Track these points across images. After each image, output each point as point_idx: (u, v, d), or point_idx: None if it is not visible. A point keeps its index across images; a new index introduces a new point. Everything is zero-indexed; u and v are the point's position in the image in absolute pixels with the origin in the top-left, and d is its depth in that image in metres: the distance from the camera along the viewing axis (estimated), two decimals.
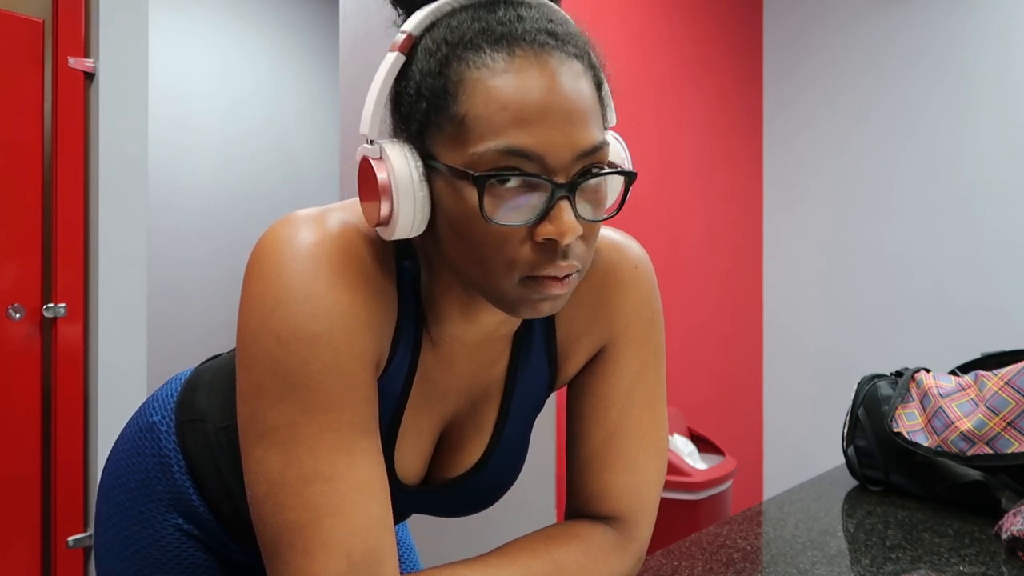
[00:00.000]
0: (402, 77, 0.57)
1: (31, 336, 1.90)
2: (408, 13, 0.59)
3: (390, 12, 0.63)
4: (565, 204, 0.53)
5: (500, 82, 0.52)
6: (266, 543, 0.56)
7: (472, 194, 0.53)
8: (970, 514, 1.00)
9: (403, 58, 0.57)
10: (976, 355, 1.25)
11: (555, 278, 0.55)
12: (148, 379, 2.11)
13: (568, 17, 0.59)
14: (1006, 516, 0.88)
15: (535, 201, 0.54)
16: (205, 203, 3.62)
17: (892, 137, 2.98)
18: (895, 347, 2.94)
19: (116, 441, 0.83)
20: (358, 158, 0.57)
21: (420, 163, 0.55)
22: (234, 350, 0.80)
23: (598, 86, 0.58)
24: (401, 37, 0.57)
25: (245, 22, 3.82)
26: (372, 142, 0.57)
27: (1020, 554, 0.84)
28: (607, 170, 0.56)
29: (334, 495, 0.54)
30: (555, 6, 0.59)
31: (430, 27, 0.56)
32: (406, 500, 0.72)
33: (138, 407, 0.84)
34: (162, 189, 3.39)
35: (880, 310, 3.00)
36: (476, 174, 0.52)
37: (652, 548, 0.82)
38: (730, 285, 3.14)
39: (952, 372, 1.22)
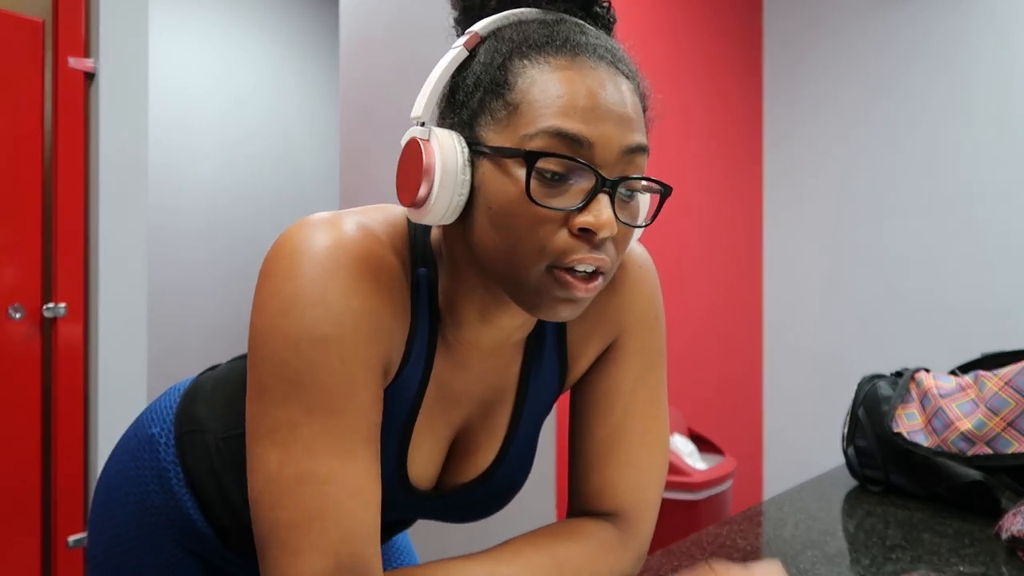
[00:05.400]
0: (461, 70, 0.59)
1: (31, 336, 1.90)
2: (467, 17, 0.62)
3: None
4: (605, 198, 0.55)
5: (558, 76, 0.56)
6: (259, 539, 0.56)
7: (519, 175, 0.55)
8: (970, 514, 1.00)
9: (466, 53, 0.59)
10: (976, 355, 1.25)
11: (581, 275, 0.56)
12: (148, 379, 2.11)
13: (625, 53, 0.62)
14: (1006, 516, 0.88)
15: (578, 191, 0.56)
16: (205, 203, 3.63)
17: (892, 137, 2.98)
18: (895, 347, 2.94)
19: (112, 452, 0.83)
20: (406, 139, 0.59)
21: (467, 149, 0.57)
22: (234, 360, 0.80)
23: (643, 111, 0.61)
24: (468, 36, 0.59)
25: (245, 22, 3.82)
26: (423, 125, 0.58)
27: (1020, 554, 0.84)
28: (650, 178, 0.59)
29: (327, 498, 0.55)
30: (614, 42, 0.62)
31: (497, 31, 0.60)
32: (417, 505, 0.72)
33: (135, 418, 0.84)
34: (162, 189, 3.39)
35: (880, 310, 3.00)
36: (527, 150, 0.54)
37: (652, 548, 0.82)
38: (730, 285, 3.14)
39: (952, 372, 1.22)
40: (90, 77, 1.99)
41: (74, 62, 1.95)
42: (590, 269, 0.56)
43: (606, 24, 0.64)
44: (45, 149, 1.95)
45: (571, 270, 0.56)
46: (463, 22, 0.63)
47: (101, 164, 1.98)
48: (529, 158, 0.54)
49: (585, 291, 0.57)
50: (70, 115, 1.95)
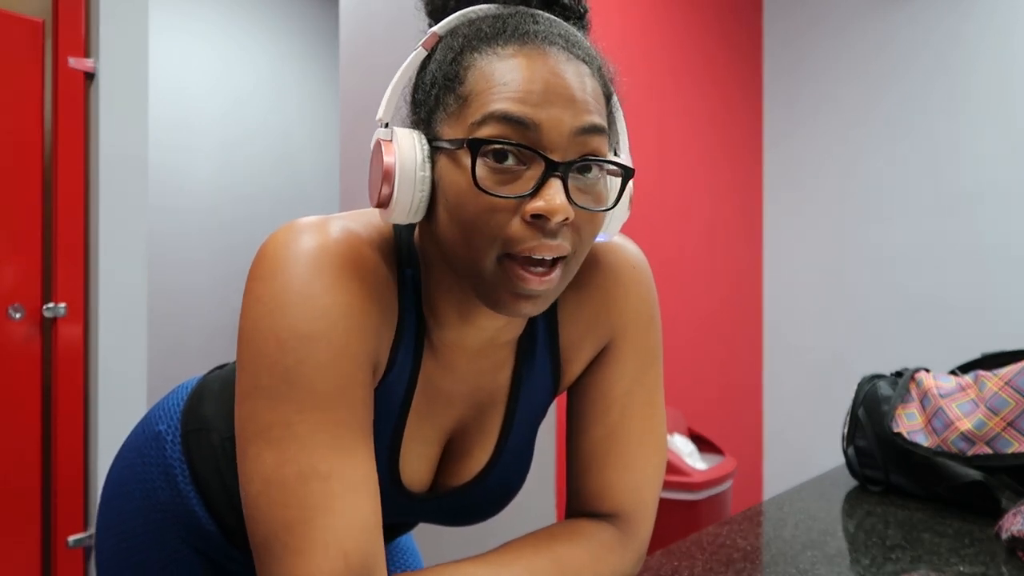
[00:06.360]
0: (422, 70, 0.61)
1: (31, 336, 1.90)
2: (434, 21, 0.63)
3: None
4: (557, 182, 0.54)
5: (505, 64, 0.55)
6: (258, 542, 0.55)
7: (468, 164, 0.54)
8: (970, 514, 1.00)
9: (425, 53, 0.60)
10: (976, 355, 1.25)
11: (536, 265, 0.55)
12: (149, 379, 2.11)
13: (584, 39, 0.61)
14: (1006, 516, 0.88)
15: (530, 177, 0.55)
16: (205, 203, 3.62)
17: (892, 136, 2.98)
18: (895, 347, 2.94)
19: (120, 449, 0.83)
20: (372, 142, 0.59)
21: (427, 146, 0.57)
22: None
23: (607, 97, 0.60)
24: (428, 36, 0.60)
25: (245, 22, 3.82)
26: (386, 126, 0.59)
27: (1020, 554, 0.84)
28: (604, 159, 0.57)
29: (329, 493, 0.54)
30: (573, 28, 0.61)
31: (453, 29, 0.60)
32: (413, 508, 0.72)
33: (143, 415, 0.84)
34: (162, 189, 3.39)
35: (880, 310, 3.00)
36: (471, 138, 0.54)
37: (652, 548, 0.82)
38: (730, 285, 3.14)
39: (952, 372, 1.22)
40: (90, 77, 1.99)
41: (74, 62, 1.95)
42: (548, 258, 0.55)
43: (576, 15, 0.63)
44: (45, 149, 1.95)
45: (527, 260, 0.55)
46: (431, 26, 0.63)
47: (101, 164, 1.98)
48: (472, 145, 0.54)
49: (540, 283, 0.56)
50: (70, 115, 1.95)
